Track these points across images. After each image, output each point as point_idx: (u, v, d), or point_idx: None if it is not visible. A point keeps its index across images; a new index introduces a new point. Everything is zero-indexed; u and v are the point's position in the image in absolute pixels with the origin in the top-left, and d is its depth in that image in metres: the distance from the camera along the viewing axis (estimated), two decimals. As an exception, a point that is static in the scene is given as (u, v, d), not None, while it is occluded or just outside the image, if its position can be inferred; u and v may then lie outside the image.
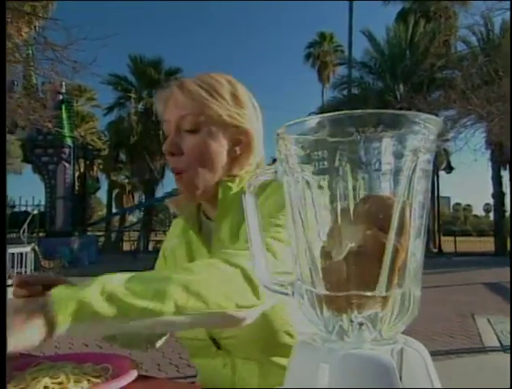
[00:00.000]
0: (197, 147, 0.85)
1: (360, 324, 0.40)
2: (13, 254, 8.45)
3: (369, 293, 0.38)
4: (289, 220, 0.44)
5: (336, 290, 0.40)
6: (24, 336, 0.55)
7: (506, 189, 18.94)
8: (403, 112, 0.39)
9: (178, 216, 0.99)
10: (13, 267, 8.41)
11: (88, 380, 0.72)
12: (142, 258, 16.89)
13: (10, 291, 0.68)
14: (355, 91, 20.40)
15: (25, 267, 8.71)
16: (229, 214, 0.88)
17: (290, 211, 0.44)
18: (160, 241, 25.34)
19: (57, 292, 0.60)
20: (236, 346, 0.85)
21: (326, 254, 0.41)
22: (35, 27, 8.05)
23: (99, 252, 17.66)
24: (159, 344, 1.06)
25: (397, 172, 0.40)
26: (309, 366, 0.41)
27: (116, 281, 0.62)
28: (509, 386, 2.38)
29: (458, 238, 18.83)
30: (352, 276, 0.39)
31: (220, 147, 0.87)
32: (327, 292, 0.39)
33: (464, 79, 10.91)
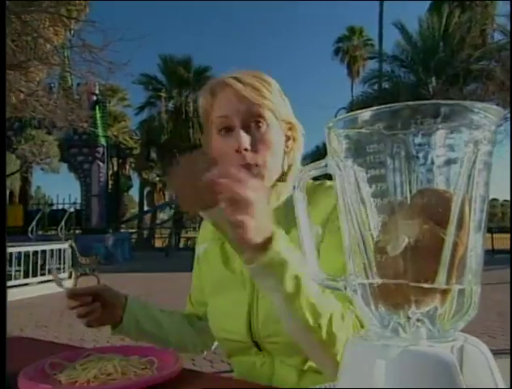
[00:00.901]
0: (269, 143, 0.85)
1: (418, 320, 0.39)
2: (52, 250, 8.77)
3: (427, 285, 0.37)
4: (342, 215, 0.43)
5: (392, 285, 0.39)
6: None
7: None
8: (461, 102, 0.38)
9: (206, 220, 0.97)
10: (52, 263, 8.73)
11: (135, 372, 0.73)
12: (174, 255, 17.18)
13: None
14: (385, 85, 19.96)
15: (63, 262, 9.02)
16: (281, 221, 0.84)
17: (343, 205, 0.43)
18: (190, 238, 25.72)
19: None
20: (277, 349, 0.85)
21: (380, 249, 0.40)
22: (70, 30, 8.30)
23: (132, 249, 18.09)
24: (213, 346, 1.08)
25: (456, 164, 0.38)
26: (363, 362, 0.40)
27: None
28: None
29: (495, 235, 18.11)
30: (409, 271, 0.38)
31: (281, 142, 0.88)
32: (384, 281, 0.39)
33: (504, 70, 10.48)
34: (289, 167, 0.91)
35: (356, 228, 0.42)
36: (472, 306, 0.40)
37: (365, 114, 0.40)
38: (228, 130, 0.85)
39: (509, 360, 3.73)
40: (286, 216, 0.82)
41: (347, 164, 0.42)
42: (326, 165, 0.46)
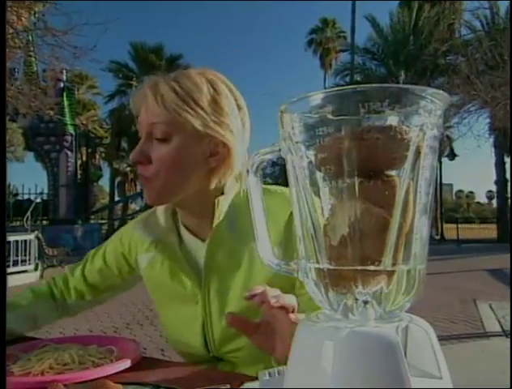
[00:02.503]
0: (166, 157, 0.80)
1: (365, 302, 0.40)
2: (17, 241, 8.50)
3: (373, 268, 0.38)
4: (294, 199, 0.43)
5: (341, 267, 0.39)
6: None
7: (509, 175, 18.89)
8: (409, 86, 0.39)
9: (152, 235, 0.93)
10: (17, 254, 8.47)
11: (93, 361, 0.72)
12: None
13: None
14: (357, 77, 20.20)
15: (29, 254, 8.77)
16: (225, 234, 0.85)
17: (294, 189, 0.43)
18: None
19: None
20: (239, 360, 0.84)
21: (329, 231, 0.40)
22: (34, 12, 7.97)
23: (102, 240, 17.73)
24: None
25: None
26: (313, 344, 0.41)
27: None
28: (509, 386, 2.40)
29: (460, 225, 18.77)
30: (356, 253, 0.39)
31: (193, 158, 0.81)
32: (332, 267, 0.39)
33: (468, 64, 10.79)
34: (220, 181, 0.85)
35: (307, 212, 0.42)
36: (417, 287, 0.41)
37: (316, 97, 0.40)
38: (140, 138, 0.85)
39: (469, 344, 3.89)
40: (229, 227, 0.84)
41: (300, 147, 0.42)
42: (279, 150, 0.46)
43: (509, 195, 19.24)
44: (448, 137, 18.57)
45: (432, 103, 0.39)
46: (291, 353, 0.43)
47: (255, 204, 0.48)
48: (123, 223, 26.06)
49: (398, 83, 18.23)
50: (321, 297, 0.42)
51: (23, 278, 8.04)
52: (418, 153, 0.39)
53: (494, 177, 19.33)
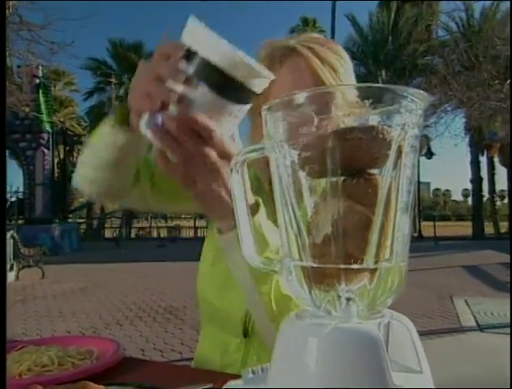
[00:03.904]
0: None
1: (348, 299, 0.40)
2: (-9, 241, 8.27)
3: (356, 266, 0.39)
4: (277, 197, 0.43)
5: (324, 265, 0.40)
6: None
7: (484, 174, 19.39)
8: (391, 86, 0.39)
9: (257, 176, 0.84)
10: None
11: (73, 363, 0.71)
12: (125, 246, 16.77)
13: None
14: (337, 76, 20.42)
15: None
16: None
17: (278, 187, 0.43)
18: (142, 228, 25.15)
19: None
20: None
21: (312, 229, 0.41)
22: (8, 7, 7.76)
23: (81, 239, 17.47)
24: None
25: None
26: (297, 342, 0.41)
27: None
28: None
29: (437, 223, 19.21)
30: (339, 251, 0.39)
31: None
32: (315, 265, 0.39)
33: (445, 65, 11.04)
34: None
35: (291, 210, 0.42)
36: (399, 284, 0.41)
37: (300, 96, 0.40)
38: None
39: (446, 338, 3.98)
40: None
41: (283, 146, 0.43)
42: (263, 148, 0.46)
43: (483, 193, 19.74)
44: (426, 136, 18.93)
45: (413, 102, 0.40)
46: (274, 350, 0.44)
47: (239, 203, 0.48)
48: (102, 222, 25.66)
49: (377, 82, 18.51)
50: (304, 294, 0.43)
51: (-2, 279, 7.84)
52: (399, 152, 0.39)
53: (469, 176, 19.83)
